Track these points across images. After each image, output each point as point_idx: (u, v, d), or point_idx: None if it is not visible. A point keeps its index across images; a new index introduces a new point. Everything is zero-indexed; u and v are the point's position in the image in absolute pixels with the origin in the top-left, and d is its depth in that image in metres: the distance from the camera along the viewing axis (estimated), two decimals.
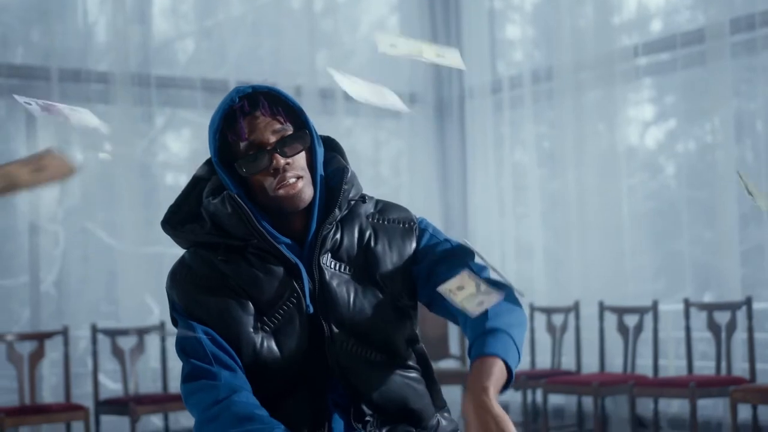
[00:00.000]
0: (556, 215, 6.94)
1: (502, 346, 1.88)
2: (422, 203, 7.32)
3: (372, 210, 2.15)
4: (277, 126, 2.01)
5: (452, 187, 7.46)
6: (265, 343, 2.03)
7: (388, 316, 2.08)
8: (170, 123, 7.23)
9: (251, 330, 2.02)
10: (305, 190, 2.03)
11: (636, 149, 6.49)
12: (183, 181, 6.95)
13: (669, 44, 6.25)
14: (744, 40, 5.83)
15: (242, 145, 2.01)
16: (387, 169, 7.77)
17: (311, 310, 2.04)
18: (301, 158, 2.03)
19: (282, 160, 1.99)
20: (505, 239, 7.09)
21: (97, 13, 6.70)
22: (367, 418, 2.06)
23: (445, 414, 2.18)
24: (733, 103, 5.89)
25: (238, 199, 2.02)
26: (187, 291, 2.05)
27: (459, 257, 2.08)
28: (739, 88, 6.34)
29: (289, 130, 2.02)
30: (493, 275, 2.06)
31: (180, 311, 2.07)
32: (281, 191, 2.01)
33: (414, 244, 2.13)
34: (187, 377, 2.02)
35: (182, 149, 7.19)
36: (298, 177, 2.02)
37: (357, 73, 7.93)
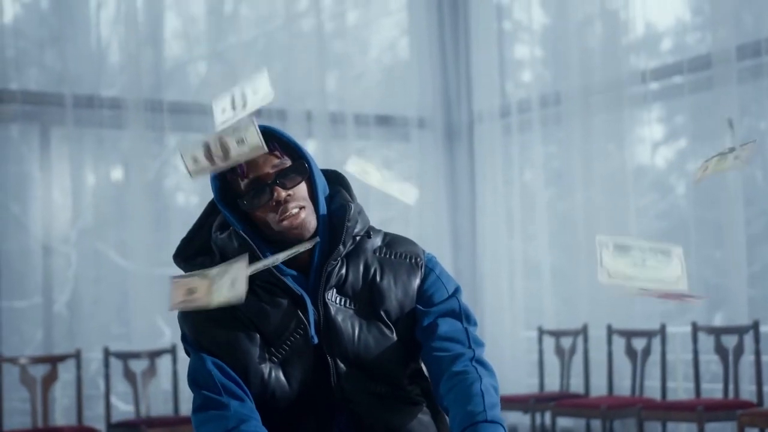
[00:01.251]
0: (564, 236, 6.96)
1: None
2: (431, 224, 7.36)
3: (379, 243, 2.19)
4: (275, 161, 2.07)
5: (461, 208, 7.50)
6: (273, 374, 2.08)
7: (392, 350, 2.12)
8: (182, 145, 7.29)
9: (259, 361, 2.08)
10: (309, 219, 2.08)
11: (645, 169, 6.51)
12: (194, 202, 7.03)
13: (677, 69, 6.30)
14: (751, 66, 5.87)
15: (243, 183, 2.07)
16: None
17: (315, 340, 2.08)
18: (301, 189, 2.09)
19: (283, 193, 2.05)
20: (514, 259, 7.12)
21: (109, 36, 6.77)
22: None
23: None
24: (743, 124, 5.91)
25: (244, 235, 2.07)
26: (197, 324, 2.11)
27: (461, 320, 2.14)
28: (749, 108, 6.36)
29: (287, 162, 2.08)
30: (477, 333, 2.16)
31: (191, 343, 2.13)
32: (285, 223, 2.06)
33: (418, 281, 2.16)
34: (198, 408, 2.07)
35: None
36: (301, 207, 2.07)
37: (367, 95, 7.94)
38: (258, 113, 6.74)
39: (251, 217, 2.09)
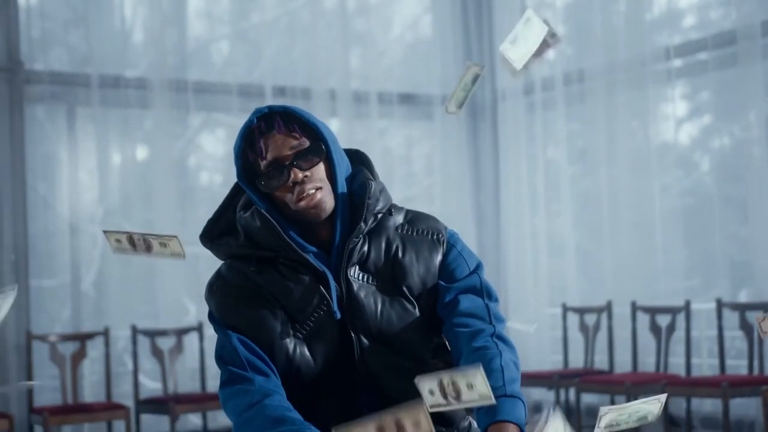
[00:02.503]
0: (588, 213, 6.96)
1: (518, 412, 1.97)
2: (455, 202, 7.37)
3: (401, 221, 2.21)
4: (294, 142, 2.10)
5: (485, 185, 7.50)
6: (298, 349, 2.11)
7: (415, 325, 2.14)
8: (205, 124, 7.32)
9: (284, 336, 2.11)
10: (325, 200, 2.10)
11: (670, 146, 6.48)
12: (218, 181, 7.07)
13: (701, 46, 6.26)
14: None
15: (262, 163, 2.10)
16: (420, 168, 7.82)
17: (338, 315, 2.11)
18: (319, 170, 2.11)
19: (300, 174, 2.08)
20: (538, 237, 7.13)
21: (133, 16, 6.80)
22: None
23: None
24: (764, 100, 5.87)
25: (265, 214, 2.10)
26: (223, 301, 2.15)
27: (482, 296, 2.16)
28: None
29: (306, 143, 2.11)
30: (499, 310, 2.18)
31: (217, 320, 2.17)
32: (302, 203, 2.09)
33: (440, 257, 2.18)
34: (224, 383, 2.11)
35: (217, 150, 7.28)
36: (317, 188, 2.09)
37: (390, 73, 7.99)
38: (282, 91, 6.79)
39: (272, 197, 2.13)
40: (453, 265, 2.19)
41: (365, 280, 2.14)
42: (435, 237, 2.19)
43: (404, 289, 2.15)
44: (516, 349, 2.12)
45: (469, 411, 2.22)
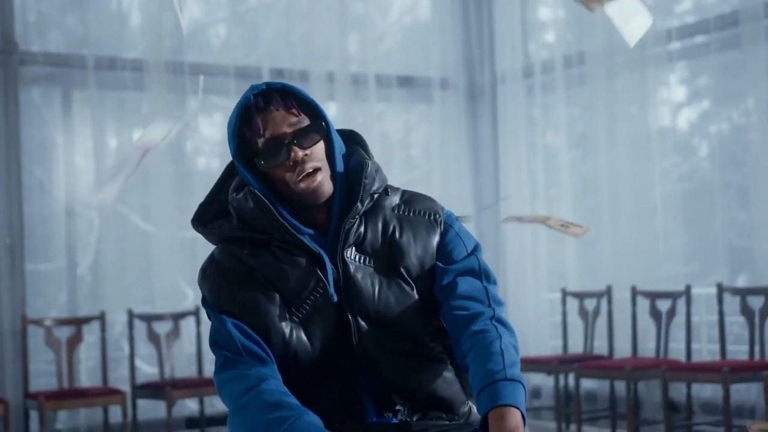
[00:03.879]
0: (588, 198, 6.93)
1: (518, 396, 1.93)
2: (454, 186, 7.33)
3: (398, 201, 2.17)
4: (293, 119, 2.05)
5: (484, 170, 7.46)
6: (294, 333, 2.07)
7: (413, 307, 2.10)
8: (203, 108, 7.27)
9: (279, 320, 2.06)
10: (325, 183, 2.06)
11: (668, 131, 6.45)
12: (215, 165, 7.02)
13: (702, 28, 6.21)
14: None
15: (260, 141, 2.05)
16: (418, 152, 7.77)
17: (335, 298, 2.06)
18: (319, 149, 2.07)
19: (300, 152, 2.03)
20: None
21: None
22: (397, 407, 2.09)
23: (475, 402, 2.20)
24: (765, 84, 5.83)
25: (259, 194, 2.05)
26: (217, 286, 2.10)
27: (480, 278, 2.13)
28: None
29: (305, 121, 2.06)
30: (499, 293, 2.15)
31: (211, 306, 2.12)
32: (302, 184, 2.04)
33: (437, 238, 2.14)
34: (219, 369, 2.07)
35: (214, 134, 7.23)
36: (317, 168, 2.05)
37: (389, 57, 7.94)
38: (280, 74, 6.73)
39: (269, 175, 2.08)
40: (451, 246, 2.15)
41: (362, 261, 2.10)
42: (432, 217, 2.15)
43: (402, 270, 2.10)
44: (515, 333, 2.08)
45: (469, 396, 2.18)
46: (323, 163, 2.06)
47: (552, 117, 7.14)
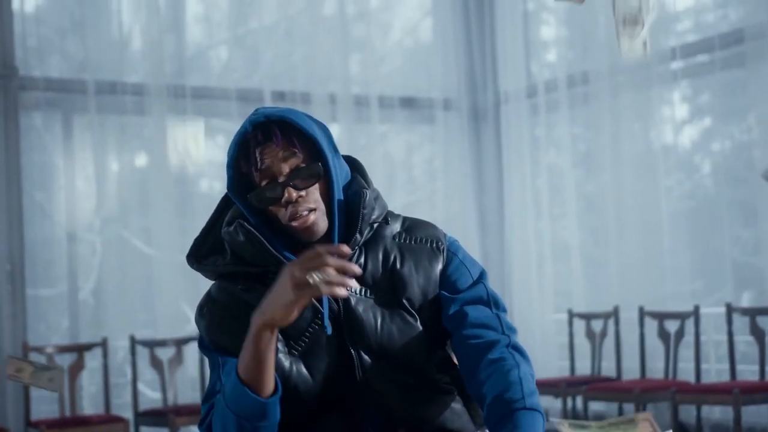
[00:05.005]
0: (592, 216, 6.89)
1: (537, 426, 1.92)
2: (458, 207, 7.28)
3: (398, 229, 2.10)
4: (291, 157, 1.98)
5: (488, 190, 7.42)
6: (294, 367, 2.01)
7: (417, 338, 2.03)
8: (205, 131, 7.24)
9: (278, 355, 1.99)
10: (318, 222, 1.99)
11: (671, 148, 6.41)
12: (217, 188, 6.98)
13: (707, 47, 6.17)
14: None
15: (256, 175, 1.98)
16: (421, 173, 7.73)
17: (329, 330, 1.99)
18: (314, 190, 1.99)
19: (294, 194, 1.96)
20: (542, 241, 7.04)
21: (131, 22, 6.72)
22: None
23: (486, 431, 2.14)
24: None
25: (248, 227, 1.99)
26: (212, 323, 2.04)
27: (490, 306, 2.07)
28: None
29: (303, 159, 1.99)
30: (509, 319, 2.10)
31: (207, 345, 2.06)
32: (294, 223, 1.98)
33: (441, 266, 2.08)
34: (202, 419, 2.03)
35: (216, 156, 7.19)
36: (311, 209, 1.98)
37: (391, 78, 7.91)
38: (282, 96, 6.70)
39: (264, 209, 2.02)
40: (456, 275, 2.08)
41: (363, 293, 2.03)
42: (434, 245, 2.08)
43: (404, 301, 2.04)
44: (531, 360, 2.04)
45: (479, 426, 2.12)
46: (318, 204, 1.99)
47: (556, 136, 7.10)
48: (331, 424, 2.02)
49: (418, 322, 2.04)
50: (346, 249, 1.81)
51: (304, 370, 2.01)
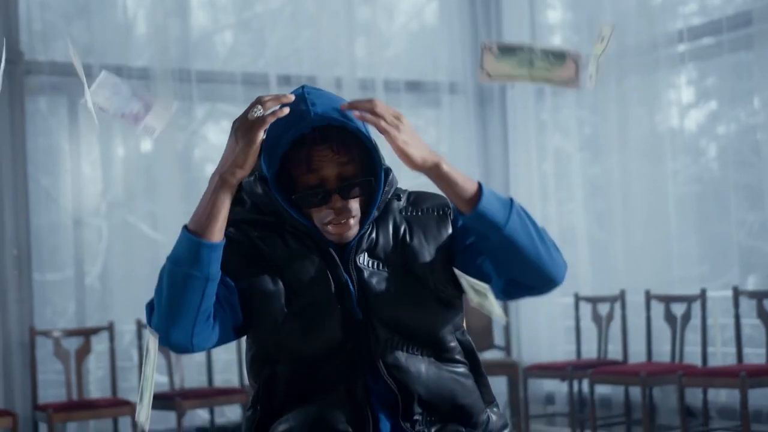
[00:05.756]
0: (598, 200, 6.87)
1: (496, 198, 1.95)
2: None
3: (404, 203, 2.12)
4: (346, 165, 1.98)
5: (494, 174, 7.41)
6: (287, 323, 2.00)
7: (432, 309, 2.05)
8: (210, 115, 7.24)
9: (276, 305, 2.00)
10: (353, 230, 2.01)
11: (678, 132, 6.39)
12: None
13: (714, 29, 6.14)
14: None
15: (301, 170, 1.98)
16: None
17: (335, 301, 2.01)
18: (358, 200, 2.01)
19: (340, 202, 1.97)
20: (548, 225, 7.00)
21: (136, 6, 6.71)
22: (416, 417, 2.03)
23: (495, 409, 2.15)
24: None
25: (267, 185, 2.01)
26: (223, 252, 2.01)
27: None
28: None
29: (355, 169, 1.99)
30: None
31: None
32: (330, 228, 2.00)
33: (450, 229, 2.09)
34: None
35: (222, 141, 7.19)
36: (351, 217, 2.00)
37: (397, 61, 7.87)
38: (287, 80, 6.68)
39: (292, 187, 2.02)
40: (464, 227, 2.09)
41: (376, 267, 2.04)
42: (441, 212, 2.10)
43: (416, 272, 2.05)
44: (544, 230, 2.05)
45: (488, 404, 2.13)
46: (357, 213, 2.01)
47: (562, 120, 7.08)
48: (337, 399, 2.02)
49: (431, 293, 2.05)
50: (289, 96, 1.91)
51: (298, 327, 2.00)
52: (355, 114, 1.91)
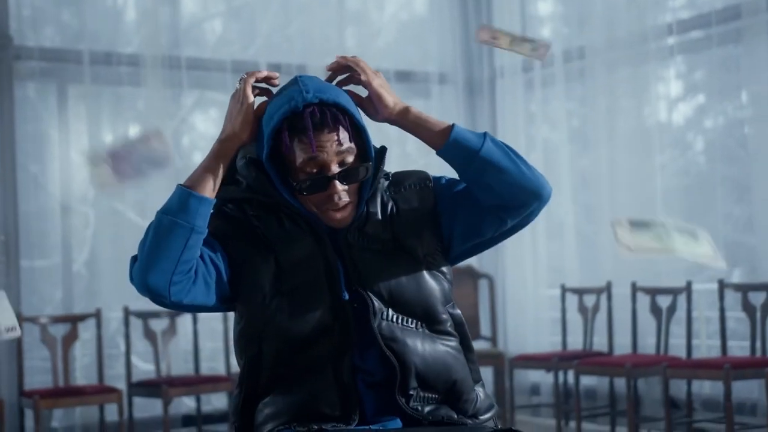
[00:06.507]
0: (586, 192, 6.89)
1: (470, 134, 2.10)
2: None
3: (388, 183, 2.19)
4: (347, 153, 2.03)
5: None
6: (275, 302, 2.04)
7: (423, 281, 2.11)
8: (199, 103, 7.22)
9: (265, 281, 2.05)
10: (350, 215, 2.07)
11: (665, 125, 6.41)
12: None
13: (704, 22, 6.16)
14: None
15: (301, 155, 2.01)
16: (415, 148, 7.72)
17: (324, 279, 2.05)
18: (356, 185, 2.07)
19: (340, 187, 2.02)
20: (536, 218, 7.03)
21: None
22: (411, 392, 2.07)
23: (482, 389, 2.20)
24: (764, 78, 5.79)
25: (258, 167, 2.07)
26: (214, 219, 2.09)
27: None
28: None
29: (353, 153, 2.04)
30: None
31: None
32: (330, 213, 2.05)
33: (433, 198, 2.17)
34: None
35: (210, 129, 7.18)
36: (348, 202, 2.05)
37: (386, 51, 7.87)
38: (277, 68, 6.67)
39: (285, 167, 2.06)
40: (446, 184, 2.19)
41: (367, 243, 2.10)
42: (422, 185, 2.18)
43: (406, 246, 2.12)
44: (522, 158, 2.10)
45: (476, 381, 2.18)
46: (355, 196, 2.07)
47: (550, 111, 7.10)
48: (325, 380, 2.04)
49: (422, 266, 2.12)
50: (274, 74, 2.10)
51: (286, 307, 2.04)
52: (337, 58, 2.09)
